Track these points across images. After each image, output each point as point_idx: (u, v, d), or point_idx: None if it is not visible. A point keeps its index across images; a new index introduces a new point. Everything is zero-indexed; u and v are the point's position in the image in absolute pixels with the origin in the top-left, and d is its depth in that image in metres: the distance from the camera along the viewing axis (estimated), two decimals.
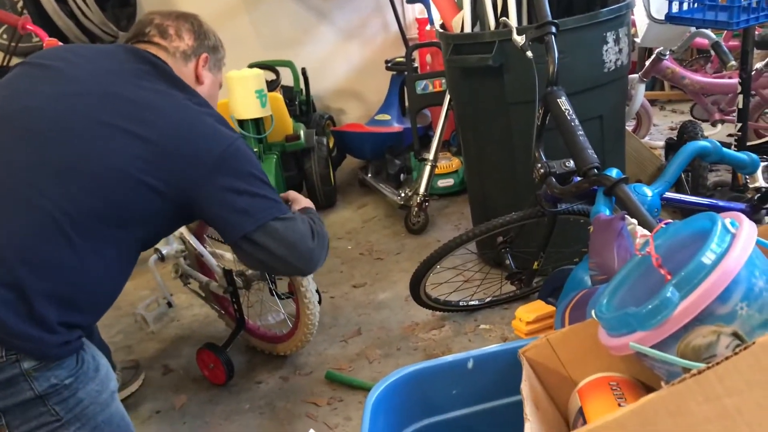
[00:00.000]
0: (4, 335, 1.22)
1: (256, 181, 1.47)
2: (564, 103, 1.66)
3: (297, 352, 2.24)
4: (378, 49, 4.32)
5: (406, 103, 3.95)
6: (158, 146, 1.36)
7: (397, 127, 3.65)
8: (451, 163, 3.27)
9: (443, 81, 3.28)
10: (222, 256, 2.22)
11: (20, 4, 3.86)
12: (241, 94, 3.05)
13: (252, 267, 1.74)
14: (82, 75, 1.43)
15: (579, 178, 1.66)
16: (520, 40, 1.76)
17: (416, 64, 3.74)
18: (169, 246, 2.17)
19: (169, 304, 2.20)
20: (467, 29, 2.33)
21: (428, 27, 3.87)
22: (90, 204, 1.30)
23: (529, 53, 1.75)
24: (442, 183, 3.24)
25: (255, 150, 3.14)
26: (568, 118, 1.65)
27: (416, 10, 4.26)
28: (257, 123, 3.16)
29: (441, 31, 2.41)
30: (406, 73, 3.65)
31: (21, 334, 1.22)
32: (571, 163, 1.69)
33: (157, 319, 2.20)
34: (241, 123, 3.10)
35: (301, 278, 1.98)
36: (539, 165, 1.70)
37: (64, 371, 1.28)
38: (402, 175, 3.44)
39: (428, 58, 3.77)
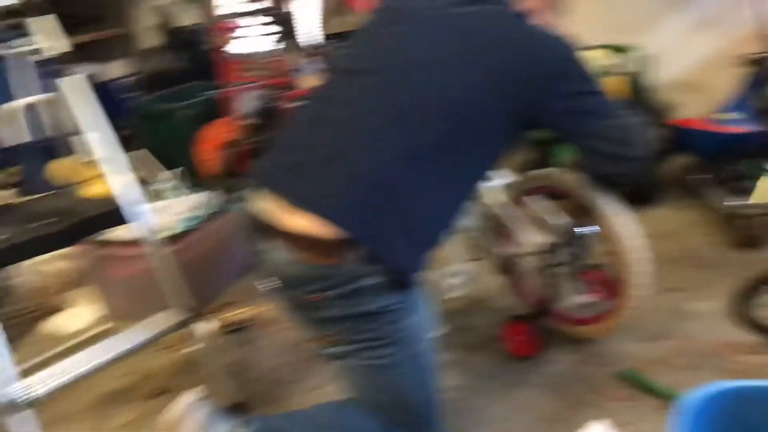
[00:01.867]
0: (382, 250, 1.37)
1: (588, 80, 1.54)
2: None
3: (601, 338, 2.20)
4: (730, 45, 3.93)
5: (760, 104, 3.57)
6: (501, 66, 1.45)
7: (743, 128, 3.30)
8: None
9: None
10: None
11: None
12: None
13: (594, 169, 1.73)
14: (426, 12, 1.56)
15: None
16: None
17: None
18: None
19: (463, 276, 2.26)
20: None
21: None
22: (443, 132, 1.43)
23: None
24: None
25: None
26: None
27: None
28: None
29: None
30: (762, 71, 3.30)
31: (397, 250, 1.38)
32: None
33: (452, 288, 2.28)
34: None
35: (628, 240, 1.96)
36: None
37: (396, 296, 1.41)
38: (737, 182, 3.12)
39: None
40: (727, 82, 3.70)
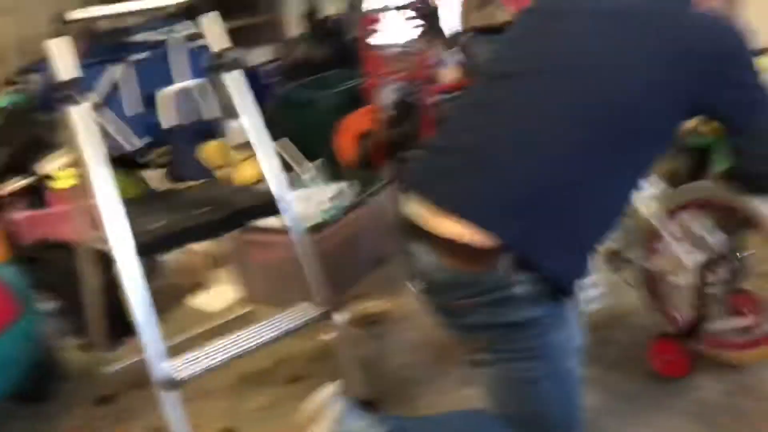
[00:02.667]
0: (538, 256, 1.32)
1: (755, 71, 1.46)
2: None
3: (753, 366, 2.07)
4: None
5: None
6: (668, 54, 1.39)
7: None
8: None
9: None
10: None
11: None
12: None
13: (748, 171, 1.60)
14: (584, 9, 1.51)
15: None
16: None
17: None
18: None
19: (598, 289, 2.16)
20: None
21: None
22: (606, 129, 1.37)
23: None
24: None
25: None
26: None
27: None
28: None
29: None
30: None
31: (554, 256, 1.34)
32: None
33: (589, 301, 2.16)
34: None
35: None
36: None
37: (544, 308, 1.36)
38: None
39: None
40: None
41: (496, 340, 1.41)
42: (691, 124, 2.93)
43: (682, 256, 2.05)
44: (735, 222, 2.04)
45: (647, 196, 2.12)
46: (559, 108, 1.39)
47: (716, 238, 2.05)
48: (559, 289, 1.37)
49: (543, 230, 1.34)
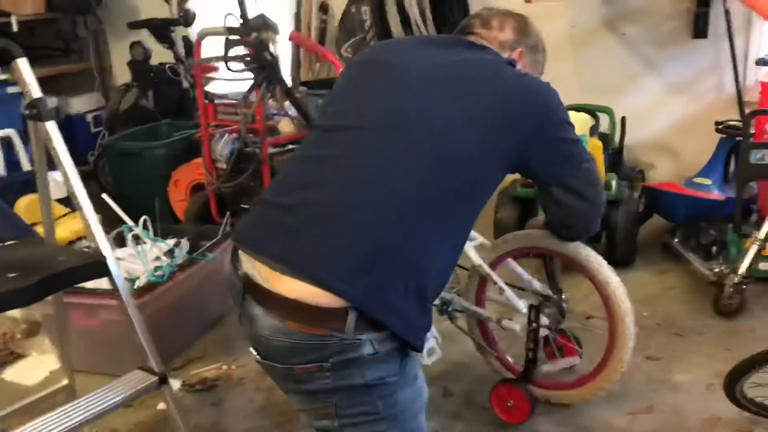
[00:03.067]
0: (386, 315, 1.30)
1: (570, 126, 1.60)
2: None
3: (585, 404, 2.16)
4: (706, 109, 4.01)
5: (731, 171, 3.63)
6: (492, 112, 1.46)
7: (717, 194, 3.35)
8: None
9: None
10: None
11: (368, 23, 4.23)
12: None
13: (553, 218, 1.85)
14: (412, 64, 1.55)
15: None
16: None
17: (752, 131, 3.40)
18: None
19: (437, 340, 2.18)
20: None
21: None
22: (440, 184, 1.39)
23: None
24: (765, 266, 2.89)
25: None
26: None
27: (760, 73, 3.88)
28: None
29: None
30: (738, 138, 3.36)
31: (401, 312, 1.32)
32: None
33: (430, 352, 2.18)
34: None
35: (618, 295, 1.99)
36: None
37: (392, 367, 1.33)
38: (714, 248, 3.15)
39: None
40: (700, 146, 3.78)
41: (342, 405, 1.35)
42: (517, 175, 3.10)
43: (514, 301, 2.13)
44: (555, 266, 2.17)
45: (476, 246, 2.20)
46: (391, 163, 1.39)
47: (541, 283, 2.16)
48: (407, 344, 1.34)
49: (387, 287, 1.31)
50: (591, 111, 3.55)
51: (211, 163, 3.41)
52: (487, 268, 2.14)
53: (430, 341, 2.18)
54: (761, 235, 2.70)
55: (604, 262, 2.03)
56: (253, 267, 1.37)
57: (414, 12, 3.92)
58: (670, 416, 2.14)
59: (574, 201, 1.65)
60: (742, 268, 2.69)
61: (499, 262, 2.21)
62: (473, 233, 2.17)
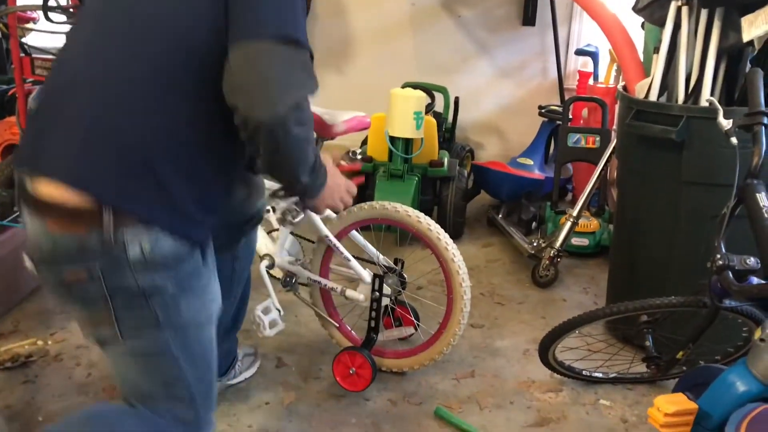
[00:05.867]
0: (140, 210, 1.25)
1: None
2: (763, 199, 1.58)
3: (414, 371, 2.24)
4: (531, 93, 4.29)
5: (551, 152, 3.91)
6: None
7: (538, 174, 3.60)
8: (589, 223, 3.18)
9: (597, 138, 3.22)
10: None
11: None
12: (401, 113, 3.10)
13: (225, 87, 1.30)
14: None
15: (759, 281, 1.58)
16: (726, 124, 1.68)
17: (570, 116, 3.68)
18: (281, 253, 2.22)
19: (279, 312, 2.19)
20: (653, 97, 2.26)
21: (591, 82, 3.80)
22: (152, 52, 1.28)
23: (734, 139, 1.67)
24: (577, 241, 3.15)
25: (399, 168, 3.17)
26: (764, 216, 1.56)
27: (579, 62, 4.20)
28: (407, 142, 3.20)
29: (624, 93, 2.35)
30: (558, 122, 3.62)
31: (154, 209, 1.26)
32: (752, 261, 1.60)
33: (272, 324, 2.18)
34: (393, 139, 3.15)
35: (457, 267, 2.06)
36: (719, 256, 1.61)
37: (170, 274, 1.30)
38: (534, 223, 3.38)
39: (584, 112, 3.69)
40: (525, 128, 4.03)
41: (120, 311, 1.30)
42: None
43: (360, 271, 2.15)
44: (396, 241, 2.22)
45: (320, 218, 2.19)
46: (123, 49, 1.29)
47: (380, 255, 2.21)
48: (192, 242, 1.32)
49: (135, 181, 1.26)
50: (427, 89, 3.66)
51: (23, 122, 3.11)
52: (333, 239, 2.14)
53: (273, 313, 2.16)
54: (575, 212, 2.93)
55: (444, 233, 2.11)
56: (23, 177, 1.30)
57: None
58: (490, 379, 2.28)
59: (238, 80, 1.25)
60: (558, 242, 2.91)
61: (345, 233, 2.22)
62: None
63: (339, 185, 1.69)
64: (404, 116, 3.09)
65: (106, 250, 1.23)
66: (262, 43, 1.24)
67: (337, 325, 2.29)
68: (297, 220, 2.03)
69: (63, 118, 1.28)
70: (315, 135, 2.02)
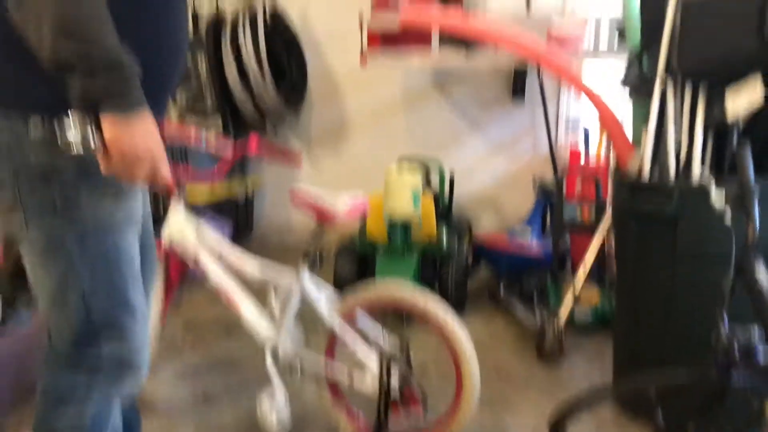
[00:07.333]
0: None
1: None
2: (762, 272, 1.61)
3: None
4: (525, 166, 4.38)
5: (547, 224, 3.96)
6: None
7: (536, 246, 3.63)
8: (591, 295, 3.19)
9: (592, 210, 3.27)
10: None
11: (204, 73, 4.18)
12: (398, 193, 3.15)
13: None
14: None
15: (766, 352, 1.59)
16: (718, 202, 1.73)
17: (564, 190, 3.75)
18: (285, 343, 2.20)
19: (284, 401, 2.16)
20: (645, 171, 2.32)
21: (582, 153, 3.89)
22: None
23: (728, 218, 1.71)
24: (580, 314, 3.16)
25: (398, 247, 3.20)
26: (763, 291, 1.59)
27: (570, 134, 4.30)
28: (405, 222, 3.24)
29: (616, 170, 2.41)
30: (553, 194, 3.68)
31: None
32: (756, 333, 1.62)
33: (278, 416, 2.14)
34: (391, 219, 3.20)
35: (462, 343, 2.05)
36: (722, 331, 1.63)
37: (66, 158, 1.21)
38: (535, 296, 3.39)
39: (578, 185, 3.76)
40: (521, 200, 4.09)
41: (24, 192, 1.24)
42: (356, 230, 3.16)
43: (365, 357, 2.15)
44: (401, 319, 2.22)
45: (326, 298, 2.20)
46: None
47: (386, 338, 2.21)
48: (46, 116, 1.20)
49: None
50: (422, 163, 3.73)
51: None
52: (337, 322, 2.14)
53: (278, 398, 2.13)
54: (576, 285, 2.95)
55: (452, 314, 2.12)
56: None
57: (252, 65, 3.93)
58: None
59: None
60: (561, 316, 2.91)
61: (350, 315, 2.23)
62: (322, 286, 2.18)
63: (149, 152, 1.17)
64: (401, 196, 3.15)
65: (10, 125, 1.21)
66: None
67: (345, 412, 2.27)
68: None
69: None
70: (315, 221, 2.07)
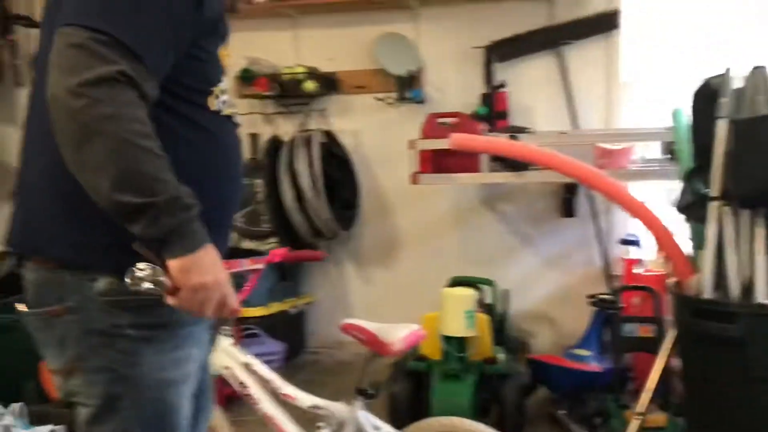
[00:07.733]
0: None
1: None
2: None
3: None
4: (578, 281, 4.33)
5: (606, 341, 3.85)
6: None
7: (596, 365, 3.53)
8: (657, 417, 3.06)
9: (653, 327, 3.19)
10: None
11: (260, 195, 4.33)
12: (452, 312, 3.15)
13: None
14: None
15: None
16: None
17: (622, 305, 3.68)
18: None
19: None
20: (707, 294, 2.28)
21: (638, 269, 3.84)
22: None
23: None
24: None
25: (454, 368, 3.15)
26: None
27: (623, 250, 4.26)
28: (460, 341, 3.21)
29: (676, 290, 2.38)
30: (610, 311, 3.61)
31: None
32: None
33: None
34: (447, 339, 3.17)
35: None
36: None
37: (131, 315, 1.25)
38: (597, 419, 3.27)
39: (636, 300, 3.69)
40: (576, 316, 4.02)
41: (85, 355, 1.26)
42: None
43: None
44: None
45: None
46: (39, 108, 1.24)
47: None
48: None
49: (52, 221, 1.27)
50: (474, 284, 3.72)
51: None
52: None
53: None
54: (641, 408, 2.84)
55: None
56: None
57: (307, 186, 4.06)
58: None
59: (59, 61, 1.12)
60: None
61: None
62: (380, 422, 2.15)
63: (218, 284, 1.20)
64: (456, 315, 3.14)
65: (77, 288, 1.25)
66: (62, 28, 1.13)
67: None
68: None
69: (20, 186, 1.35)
70: (367, 349, 2.05)
